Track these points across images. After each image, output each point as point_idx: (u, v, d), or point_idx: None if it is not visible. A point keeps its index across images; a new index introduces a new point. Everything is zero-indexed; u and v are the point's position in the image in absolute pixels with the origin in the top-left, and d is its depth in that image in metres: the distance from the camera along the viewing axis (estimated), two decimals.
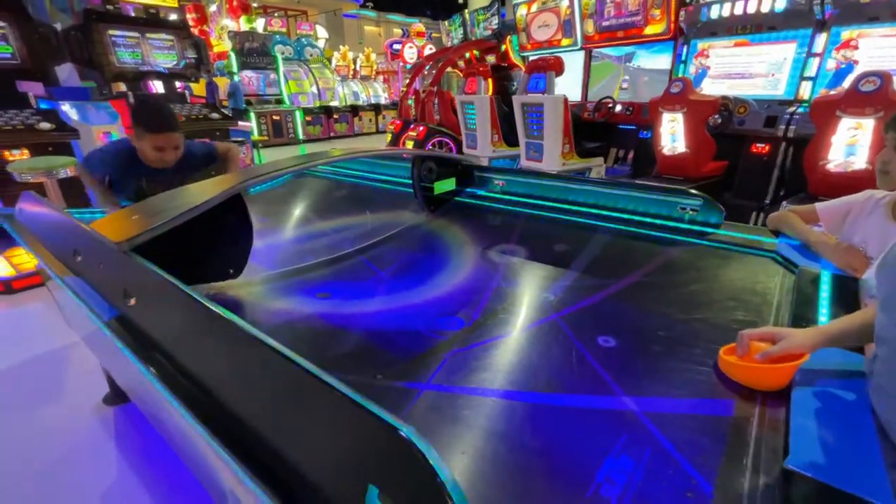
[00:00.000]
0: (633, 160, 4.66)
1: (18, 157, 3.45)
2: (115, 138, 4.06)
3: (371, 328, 1.24)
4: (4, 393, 1.98)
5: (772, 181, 3.48)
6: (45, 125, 3.66)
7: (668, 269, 1.46)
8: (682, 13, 3.97)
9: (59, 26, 4.67)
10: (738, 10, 3.62)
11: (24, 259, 3.05)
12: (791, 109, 3.34)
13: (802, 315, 1.04)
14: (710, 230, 1.54)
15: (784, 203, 3.12)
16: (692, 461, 0.75)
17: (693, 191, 1.58)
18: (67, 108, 4.03)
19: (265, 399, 0.67)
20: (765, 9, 3.48)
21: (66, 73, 4.65)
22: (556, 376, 0.98)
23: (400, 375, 0.98)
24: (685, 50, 4.07)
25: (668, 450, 0.77)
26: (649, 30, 4.24)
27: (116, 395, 1.86)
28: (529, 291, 1.41)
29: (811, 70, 3.40)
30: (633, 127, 4.53)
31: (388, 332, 1.21)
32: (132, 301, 0.96)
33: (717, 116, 3.54)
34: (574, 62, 5.02)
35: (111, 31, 4.38)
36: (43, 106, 3.96)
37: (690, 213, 1.58)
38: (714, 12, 3.76)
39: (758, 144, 3.48)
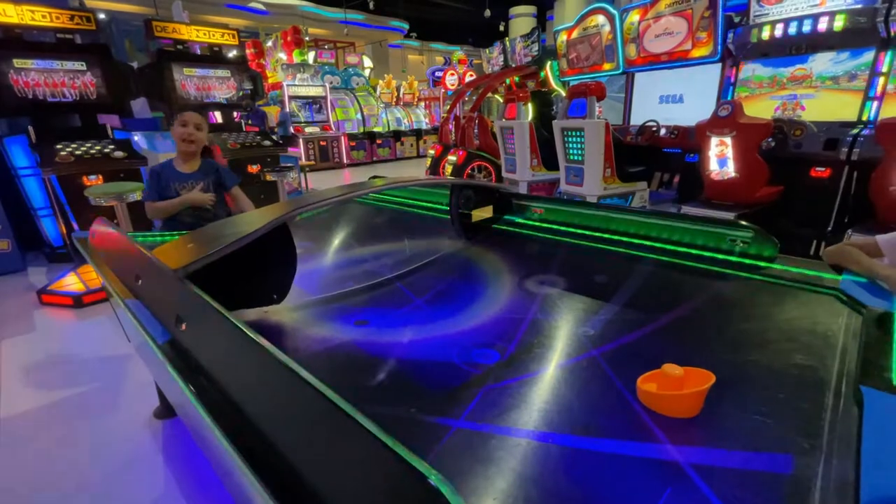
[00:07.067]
0: (678, 184, 4.51)
1: (95, 183, 3.80)
2: None
3: (406, 357, 1.24)
4: (70, 400, 2.14)
5: (834, 207, 3.26)
6: (118, 153, 4.03)
7: (717, 306, 1.37)
8: (730, 35, 3.86)
9: (135, 64, 5.19)
10: (793, 30, 3.46)
11: (94, 275, 3.33)
12: (854, 131, 3.14)
13: (873, 360, 0.95)
14: (762, 264, 1.45)
15: (849, 231, 2.90)
16: None
17: (743, 222, 1.49)
18: (139, 138, 4.42)
19: (297, 430, 0.68)
20: (822, 27, 3.32)
21: (139, 105, 5.12)
22: (594, 419, 0.94)
23: (434, 410, 0.98)
24: (735, 72, 3.94)
25: None
26: (696, 52, 4.15)
27: (166, 409, 1.96)
28: (567, 325, 1.37)
29: (877, 90, 3.20)
30: (679, 151, 4.40)
31: (423, 362, 1.21)
32: (183, 326, 1.01)
33: (770, 140, 3.37)
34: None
35: (181, 68, 4.80)
36: (118, 136, 4.36)
37: (741, 245, 1.50)
38: (765, 33, 3.63)
39: (817, 168, 3.27)
